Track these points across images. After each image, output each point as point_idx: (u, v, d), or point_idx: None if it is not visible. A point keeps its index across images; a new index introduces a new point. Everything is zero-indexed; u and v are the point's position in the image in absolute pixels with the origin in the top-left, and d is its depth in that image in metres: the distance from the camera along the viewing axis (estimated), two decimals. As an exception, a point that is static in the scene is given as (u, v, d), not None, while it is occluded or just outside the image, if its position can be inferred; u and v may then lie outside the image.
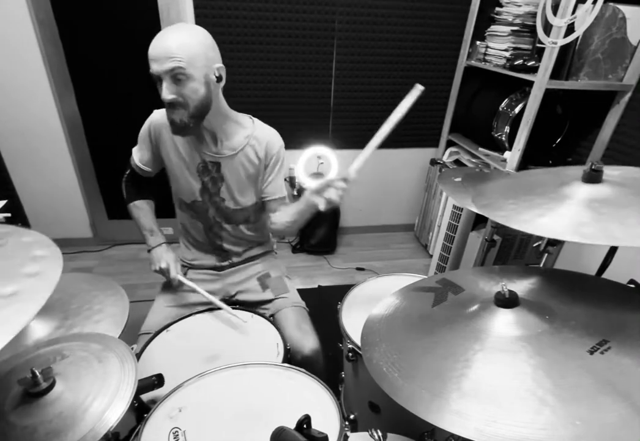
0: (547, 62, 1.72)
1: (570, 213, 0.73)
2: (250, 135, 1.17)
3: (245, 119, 1.20)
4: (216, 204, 1.24)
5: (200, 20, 2.20)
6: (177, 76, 0.98)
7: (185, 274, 1.37)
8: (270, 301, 1.32)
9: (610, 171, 0.83)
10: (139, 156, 1.26)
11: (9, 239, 0.63)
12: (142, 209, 1.31)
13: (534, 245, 1.11)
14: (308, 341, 1.16)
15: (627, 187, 0.77)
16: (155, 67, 0.98)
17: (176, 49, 0.96)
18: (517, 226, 0.73)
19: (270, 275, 1.38)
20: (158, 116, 1.19)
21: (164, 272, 1.25)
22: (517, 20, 2.03)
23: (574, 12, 1.61)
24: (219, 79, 1.06)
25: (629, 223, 0.67)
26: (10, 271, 0.56)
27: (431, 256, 2.66)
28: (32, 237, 0.64)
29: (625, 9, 1.67)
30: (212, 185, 1.21)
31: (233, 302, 1.34)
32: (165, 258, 1.25)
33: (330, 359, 1.37)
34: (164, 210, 1.54)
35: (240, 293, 1.35)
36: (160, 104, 1.06)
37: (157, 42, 0.98)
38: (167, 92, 1.00)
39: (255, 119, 1.22)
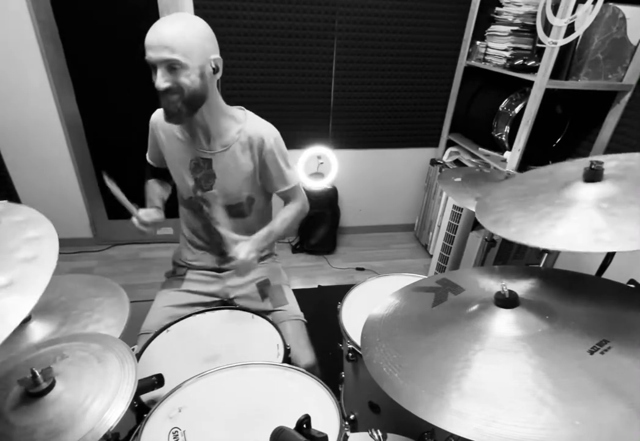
0: (547, 62, 1.72)
1: (583, 219, 0.70)
2: (242, 129, 1.16)
3: (238, 112, 1.20)
4: (210, 200, 1.24)
5: (200, 20, 2.21)
6: (172, 66, 0.99)
7: (184, 274, 1.37)
8: (268, 312, 1.30)
9: (608, 163, 0.81)
10: (148, 154, 1.33)
11: (2, 219, 0.60)
12: (151, 186, 1.35)
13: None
14: (304, 357, 1.16)
15: (627, 180, 0.76)
16: (150, 55, 0.99)
17: (171, 39, 0.96)
18: (531, 241, 0.70)
19: (270, 283, 1.37)
20: (157, 114, 1.23)
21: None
22: (517, 20, 2.03)
23: (574, 12, 1.61)
24: (215, 70, 1.06)
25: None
26: (4, 258, 0.53)
27: (431, 256, 2.66)
28: (24, 215, 0.61)
29: (625, 9, 1.67)
30: (204, 182, 1.22)
31: (232, 304, 1.34)
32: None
33: (330, 359, 1.37)
34: (165, 210, 1.53)
35: (239, 298, 1.35)
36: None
37: (154, 30, 0.98)
38: (161, 81, 1.00)
39: (248, 112, 1.21)
